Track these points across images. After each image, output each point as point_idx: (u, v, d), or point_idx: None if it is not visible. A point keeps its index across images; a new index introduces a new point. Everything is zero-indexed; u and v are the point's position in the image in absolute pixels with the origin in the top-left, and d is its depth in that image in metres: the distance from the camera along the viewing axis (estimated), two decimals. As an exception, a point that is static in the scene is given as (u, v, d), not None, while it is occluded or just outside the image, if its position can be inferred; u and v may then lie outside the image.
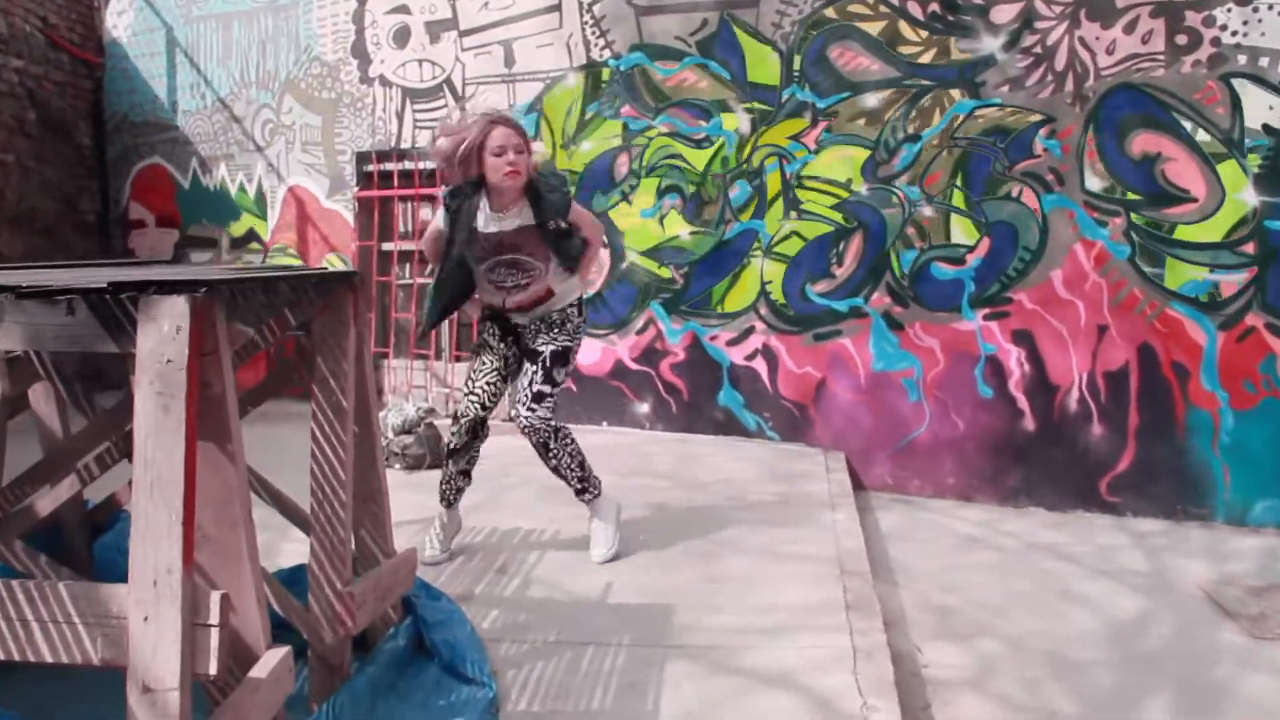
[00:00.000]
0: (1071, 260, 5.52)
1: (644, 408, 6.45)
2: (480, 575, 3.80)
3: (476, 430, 3.88)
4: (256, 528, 2.11)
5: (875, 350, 5.95)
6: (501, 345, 3.86)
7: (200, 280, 1.90)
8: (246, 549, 2.08)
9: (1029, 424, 5.68)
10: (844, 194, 5.93)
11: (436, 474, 5.44)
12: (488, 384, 3.83)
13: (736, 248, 6.19)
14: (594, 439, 6.31)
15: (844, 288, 5.99)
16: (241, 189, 7.97)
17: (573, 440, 3.89)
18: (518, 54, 6.71)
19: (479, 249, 3.63)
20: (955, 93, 5.64)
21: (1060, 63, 5.43)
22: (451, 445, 3.91)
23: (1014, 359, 5.67)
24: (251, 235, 7.98)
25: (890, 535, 5.13)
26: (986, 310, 5.70)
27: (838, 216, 5.96)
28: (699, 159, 6.24)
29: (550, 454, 3.83)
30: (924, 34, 5.67)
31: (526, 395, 3.76)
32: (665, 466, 5.58)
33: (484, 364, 3.85)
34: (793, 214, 6.01)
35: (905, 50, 5.71)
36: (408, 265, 7.45)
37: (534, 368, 3.77)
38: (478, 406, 3.82)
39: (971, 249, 5.70)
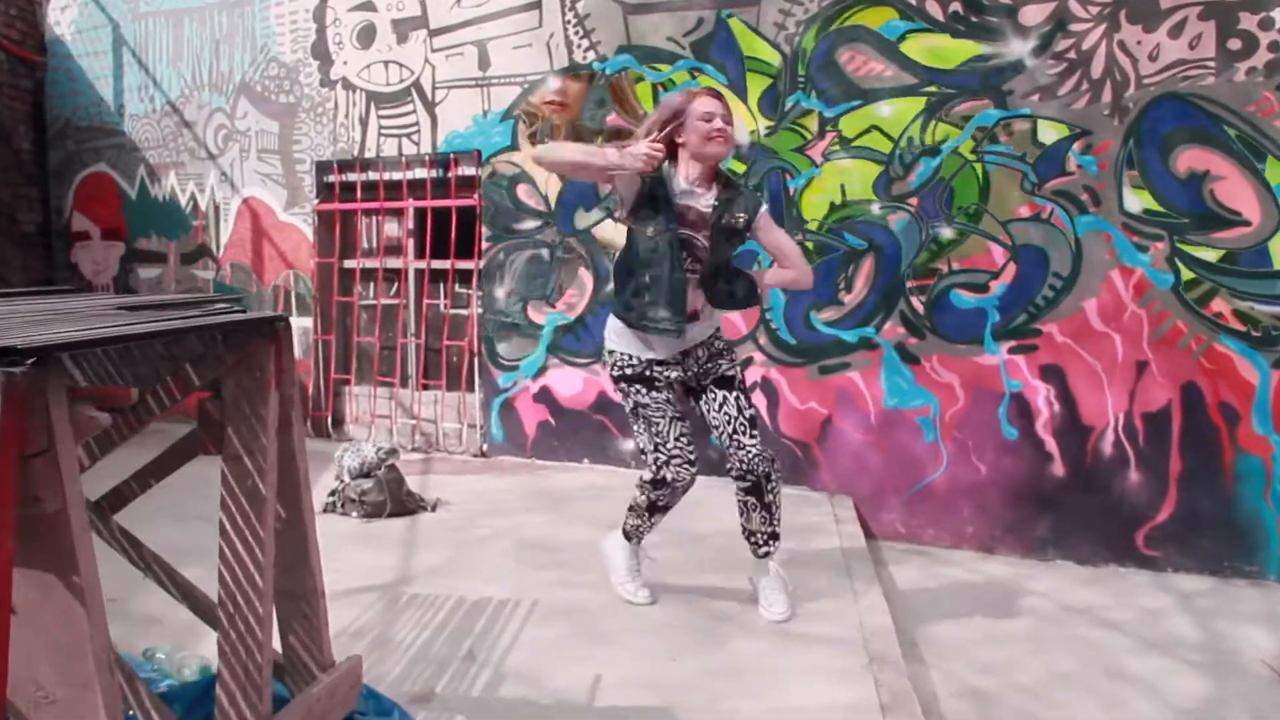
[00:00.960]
0: (1108, 289, 4.97)
1: (630, 444, 5.86)
2: (444, 665, 3.18)
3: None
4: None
5: (887, 385, 5.39)
6: (667, 391, 3.45)
7: (23, 348, 1.30)
8: (105, 713, 1.48)
9: (1058, 469, 5.13)
10: (854, 212, 5.36)
11: (398, 523, 4.88)
12: (681, 435, 3.41)
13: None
14: (572, 479, 5.73)
15: (853, 316, 5.42)
16: (192, 200, 7.33)
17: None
18: (493, 56, 6.12)
19: (667, 219, 3.28)
20: (979, 102, 5.09)
21: (1097, 70, 4.89)
22: (660, 504, 3.52)
23: (1042, 397, 5.12)
24: (203, 250, 7.34)
25: (909, 596, 4.56)
26: (1012, 343, 5.15)
27: (846, 237, 5.39)
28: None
29: (770, 487, 3.46)
30: (945, 36, 5.12)
31: (743, 425, 3.42)
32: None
33: (663, 414, 3.41)
34: (796, 234, 5.45)
35: (923, 54, 5.15)
36: (371, 284, 6.83)
37: (732, 393, 3.45)
38: (690, 468, 3.43)
39: (996, 275, 5.15)
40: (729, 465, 3.46)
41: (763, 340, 5.59)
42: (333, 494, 5.02)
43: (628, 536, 3.69)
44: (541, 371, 6.13)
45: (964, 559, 5.22)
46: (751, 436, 3.40)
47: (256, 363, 2.03)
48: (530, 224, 6.10)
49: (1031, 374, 5.13)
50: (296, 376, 2.19)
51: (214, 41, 7.10)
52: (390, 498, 4.90)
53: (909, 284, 5.30)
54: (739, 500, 3.52)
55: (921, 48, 5.15)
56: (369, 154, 6.59)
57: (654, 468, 3.40)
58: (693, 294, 3.34)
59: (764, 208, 3.44)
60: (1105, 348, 5.01)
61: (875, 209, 5.32)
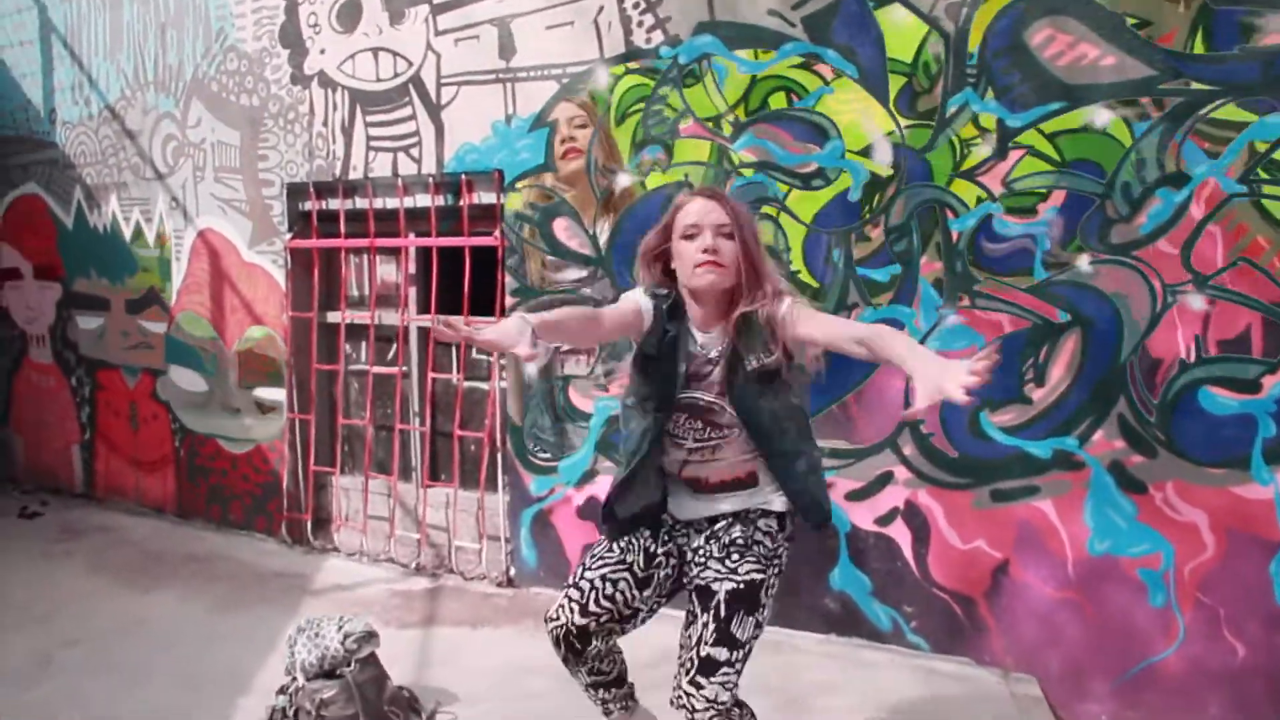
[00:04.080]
0: None
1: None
2: None
3: (581, 646, 2.54)
4: None
5: (1095, 522, 3.66)
6: (648, 539, 2.56)
7: None
8: None
9: (1363, 654, 3.38)
10: (1052, 269, 3.62)
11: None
12: (603, 580, 2.52)
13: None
14: (639, 640, 4.05)
15: (1046, 420, 3.69)
16: (138, 232, 5.72)
17: None
18: (520, 40, 4.42)
19: (669, 373, 2.45)
20: (1255, 103, 3.33)
21: None
22: (565, 658, 2.61)
23: (1343, 549, 3.37)
24: (152, 296, 5.73)
25: None
26: (1298, 467, 3.40)
27: (1039, 305, 3.66)
28: (807, 206, 3.95)
29: None
30: (1197, 7, 3.35)
31: (691, 661, 2.39)
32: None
33: (609, 549, 2.55)
34: (963, 298, 3.73)
35: (1163, 33, 3.39)
36: (363, 344, 5.17)
37: (704, 616, 2.40)
38: (573, 610, 2.51)
39: (1273, 368, 3.40)
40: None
41: (908, 449, 3.88)
42: (283, 692, 3.40)
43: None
44: (588, 477, 4.46)
45: (1213, 782, 3.50)
46: (692, 682, 2.35)
47: None
48: (574, 273, 4.41)
49: (1327, 515, 3.39)
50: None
51: (160, 26, 5.48)
52: (365, 710, 3.26)
53: (1134, 375, 3.55)
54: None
55: (1162, 23, 3.39)
56: (355, 174, 4.93)
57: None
58: (691, 467, 2.50)
59: (785, 303, 2.40)
60: None
61: (1085, 264, 3.58)
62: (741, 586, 2.41)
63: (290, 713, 3.33)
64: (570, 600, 2.53)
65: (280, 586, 4.77)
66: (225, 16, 5.23)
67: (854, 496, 3.97)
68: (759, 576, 2.44)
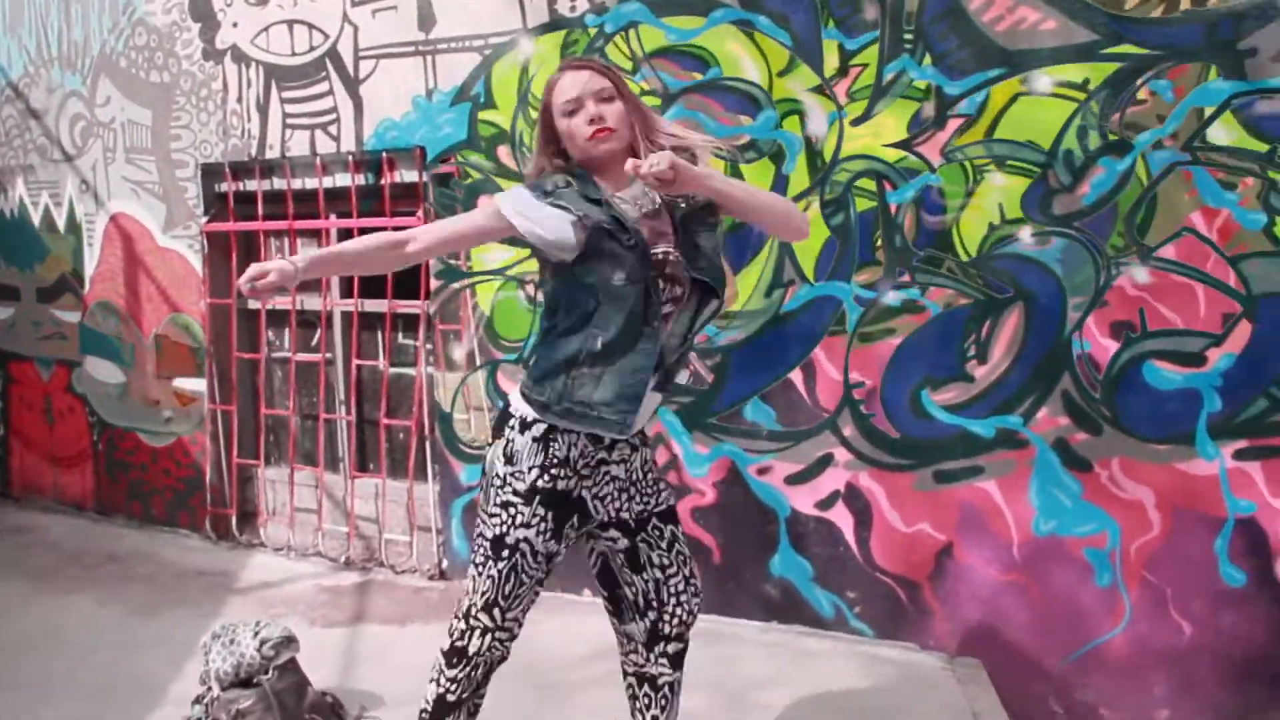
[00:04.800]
0: (1407, 362, 3.15)
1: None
2: None
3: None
4: None
5: (1040, 501, 3.57)
6: (569, 528, 2.35)
7: None
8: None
9: (1310, 632, 3.33)
10: (991, 242, 3.51)
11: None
12: (528, 605, 2.38)
13: (804, 325, 3.76)
14: (570, 632, 3.90)
15: (988, 398, 3.59)
16: (48, 217, 5.44)
17: None
18: (440, 11, 4.22)
19: (637, 256, 2.20)
20: (1197, 69, 3.23)
21: (1403, 13, 3.03)
22: (454, 697, 2.40)
23: (1289, 525, 3.31)
24: (64, 284, 5.46)
25: None
26: (1242, 443, 3.33)
27: (979, 280, 3.55)
28: (740, 179, 3.80)
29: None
30: (1140, -34, 3.25)
31: (685, 581, 2.47)
32: (684, 704, 3.04)
33: (533, 568, 2.32)
34: (902, 274, 3.61)
35: (1105, -5, 3.29)
36: (285, 331, 4.96)
37: (667, 528, 2.47)
38: (506, 643, 2.39)
39: (1218, 341, 3.32)
40: (655, 628, 2.48)
41: (848, 430, 3.76)
42: (199, 701, 3.22)
43: None
44: (520, 465, 4.29)
45: (1161, 763, 3.44)
46: (696, 593, 2.51)
47: None
48: (501, 254, 4.23)
49: (1272, 491, 3.32)
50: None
51: (63, 0, 5.17)
52: (284, 719, 3.08)
53: (1078, 351, 3.46)
54: (649, 688, 2.53)
55: (1102, -16, 3.28)
56: (272, 153, 4.71)
57: (462, 631, 2.37)
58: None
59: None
60: (1396, 453, 3.19)
61: (1026, 236, 3.47)
62: (672, 504, 2.52)
63: (203, 723, 3.15)
64: (503, 638, 2.39)
65: (203, 586, 4.56)
66: (132, -13, 4.97)
67: (794, 480, 3.85)
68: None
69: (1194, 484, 3.40)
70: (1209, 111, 3.23)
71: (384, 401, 4.63)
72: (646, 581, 2.46)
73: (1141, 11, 3.25)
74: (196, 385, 5.04)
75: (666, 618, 2.47)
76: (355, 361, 4.71)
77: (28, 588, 4.59)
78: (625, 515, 2.43)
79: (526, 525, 2.27)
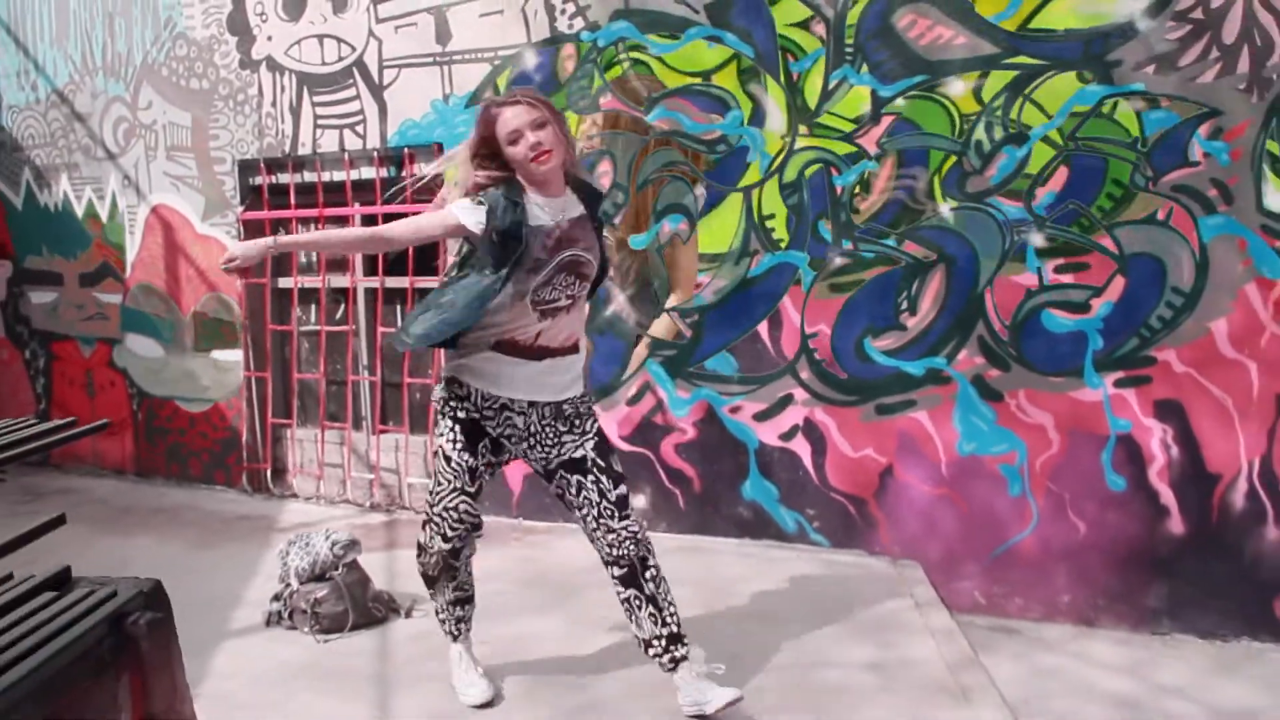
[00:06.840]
0: (1242, 307, 3.99)
1: (640, 502, 4.79)
2: None
3: (459, 551, 3.07)
4: None
5: (962, 427, 4.37)
6: (482, 448, 2.96)
7: None
8: None
9: (1176, 526, 4.16)
10: (918, 215, 4.31)
11: (364, 642, 3.79)
12: (459, 504, 2.97)
13: (767, 287, 4.55)
14: (576, 551, 4.61)
15: (918, 343, 4.39)
16: (90, 209, 6.09)
17: None
18: (455, 26, 4.95)
19: (537, 250, 2.77)
20: (1077, 75, 4.05)
21: (1230, 34, 3.87)
22: (431, 573, 3.12)
23: (1157, 440, 4.14)
24: (106, 270, 6.12)
25: (1017, 707, 3.53)
26: (1119, 374, 4.16)
27: (910, 246, 4.34)
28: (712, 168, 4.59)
29: (649, 573, 2.94)
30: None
31: (608, 510, 2.90)
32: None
33: (450, 472, 2.95)
34: (846, 242, 4.39)
35: (1004, 16, 4.09)
36: (312, 307, 5.66)
37: (590, 476, 2.91)
38: (449, 535, 3.01)
39: (1099, 292, 4.14)
40: (601, 554, 2.96)
41: (805, 374, 4.54)
42: (277, 599, 3.91)
43: (452, 636, 3.22)
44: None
45: (1061, 638, 4.26)
46: (621, 519, 2.90)
47: None
48: (507, 234, 4.96)
49: (1144, 411, 4.15)
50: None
51: (107, 15, 5.85)
52: (353, 606, 3.79)
53: (989, 303, 4.27)
54: (621, 601, 2.99)
55: (1003, 8, 4.09)
56: (303, 149, 5.41)
57: (421, 523, 3.09)
58: (552, 330, 2.87)
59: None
60: (1238, 379, 4.04)
61: (945, 211, 4.28)
62: (598, 438, 2.94)
63: (285, 614, 3.85)
64: (435, 528, 2.99)
65: (247, 528, 5.22)
66: (173, 5, 5.63)
67: (760, 417, 4.62)
68: (599, 423, 2.99)
69: (1083, 408, 4.23)
70: (1084, 110, 4.05)
71: (405, 363, 5.34)
72: (579, 519, 2.97)
73: (1032, 28, 4.07)
74: (234, 355, 5.71)
75: (598, 547, 2.94)
76: (380, 329, 5.41)
77: (91, 531, 5.17)
78: (532, 461, 2.97)
79: (444, 438, 2.95)
